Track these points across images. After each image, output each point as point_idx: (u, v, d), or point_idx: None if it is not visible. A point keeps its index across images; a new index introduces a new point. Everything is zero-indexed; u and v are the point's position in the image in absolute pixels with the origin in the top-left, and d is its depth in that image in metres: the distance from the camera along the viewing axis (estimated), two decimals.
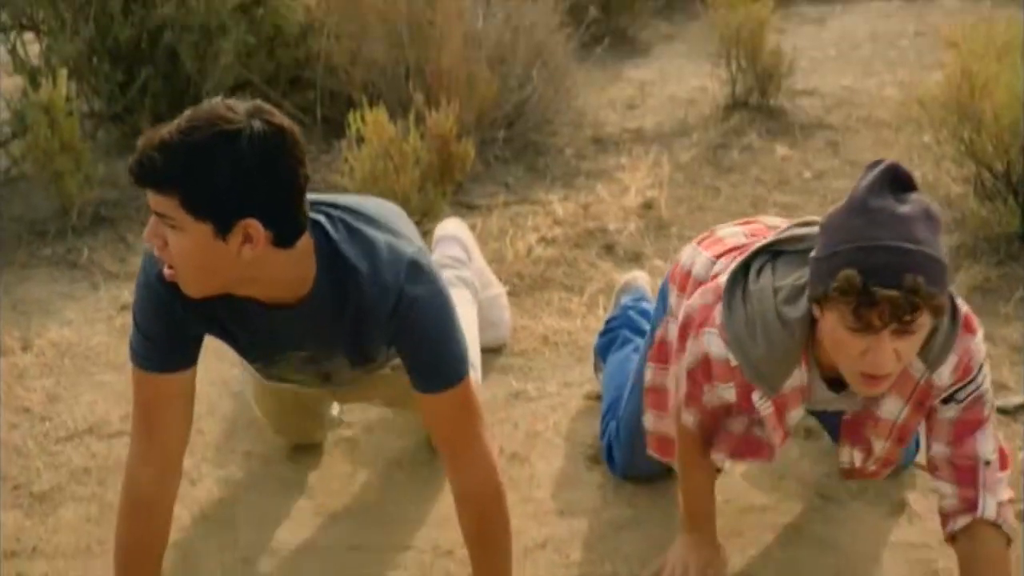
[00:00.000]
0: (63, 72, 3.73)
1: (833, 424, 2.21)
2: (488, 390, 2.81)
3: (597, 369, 2.83)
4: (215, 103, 1.68)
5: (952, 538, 1.99)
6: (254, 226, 1.69)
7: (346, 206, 1.87)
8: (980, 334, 1.91)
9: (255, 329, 1.89)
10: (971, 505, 1.94)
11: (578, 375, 2.94)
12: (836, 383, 1.92)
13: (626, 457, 2.49)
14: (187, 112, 1.68)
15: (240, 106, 1.68)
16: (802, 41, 5.26)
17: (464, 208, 3.81)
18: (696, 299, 2.00)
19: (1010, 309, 3.20)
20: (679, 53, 5.35)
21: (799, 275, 1.84)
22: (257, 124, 1.65)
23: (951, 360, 1.87)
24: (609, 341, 2.78)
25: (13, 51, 4.11)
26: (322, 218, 1.82)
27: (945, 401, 1.92)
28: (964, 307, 1.88)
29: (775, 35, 4.81)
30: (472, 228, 3.32)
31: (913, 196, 1.73)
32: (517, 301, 3.28)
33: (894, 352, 1.72)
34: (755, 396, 1.92)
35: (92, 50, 4.22)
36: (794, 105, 4.60)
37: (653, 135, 4.42)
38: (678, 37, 5.60)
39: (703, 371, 1.97)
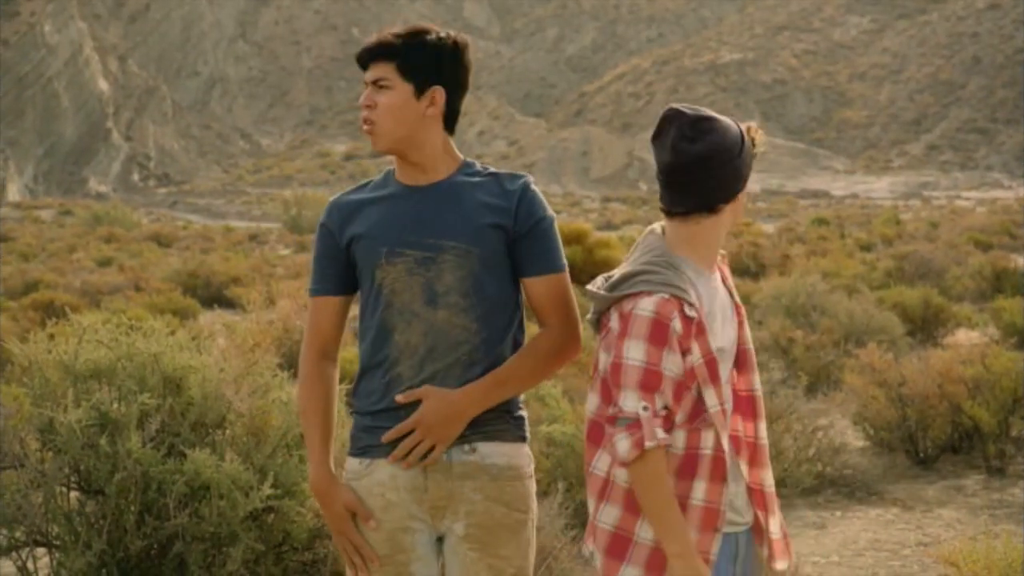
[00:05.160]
0: None
1: None
2: None
3: None
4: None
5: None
6: (440, 92, 2.52)
7: None
8: None
9: (397, 211, 2.53)
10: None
11: None
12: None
13: None
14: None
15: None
16: (804, 547, 5.31)
17: None
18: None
19: None
20: None
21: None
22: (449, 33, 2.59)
23: None
24: None
25: (23, 567, 4.13)
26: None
27: None
28: None
29: None
30: None
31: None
32: None
33: None
34: (686, 310, 2.30)
35: (102, 563, 4.25)
36: None
37: None
38: None
39: (656, 331, 2.28)
